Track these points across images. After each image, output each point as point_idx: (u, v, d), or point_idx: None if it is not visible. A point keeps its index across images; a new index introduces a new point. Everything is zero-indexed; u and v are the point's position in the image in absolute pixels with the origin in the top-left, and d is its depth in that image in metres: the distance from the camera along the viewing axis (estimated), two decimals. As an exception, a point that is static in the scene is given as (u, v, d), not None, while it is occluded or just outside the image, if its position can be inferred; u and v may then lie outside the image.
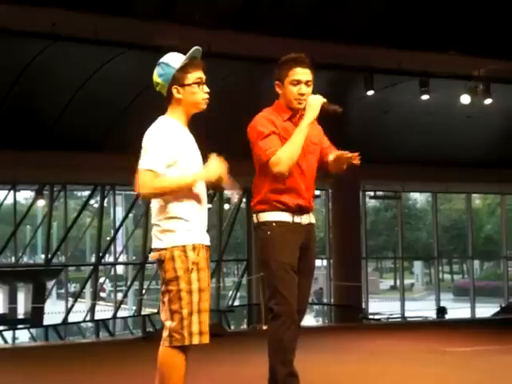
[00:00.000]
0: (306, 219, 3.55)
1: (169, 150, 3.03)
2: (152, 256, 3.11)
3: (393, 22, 10.60)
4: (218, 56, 9.48)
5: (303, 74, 3.55)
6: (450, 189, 19.65)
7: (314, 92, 3.58)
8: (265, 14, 9.58)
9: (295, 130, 3.49)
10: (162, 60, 3.14)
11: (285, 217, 3.48)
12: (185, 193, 3.07)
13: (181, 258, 3.02)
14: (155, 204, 3.13)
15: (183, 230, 3.05)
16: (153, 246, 3.12)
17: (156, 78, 3.14)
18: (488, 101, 12.29)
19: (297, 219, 3.51)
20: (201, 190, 3.15)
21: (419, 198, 30.37)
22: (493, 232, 26.56)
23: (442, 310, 16.62)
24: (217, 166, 3.06)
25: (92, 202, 19.15)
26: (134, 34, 9.42)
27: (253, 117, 3.57)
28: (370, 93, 11.83)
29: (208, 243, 3.17)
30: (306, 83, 3.55)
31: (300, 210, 3.52)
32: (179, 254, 3.02)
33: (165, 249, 3.05)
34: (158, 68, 3.15)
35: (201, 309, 3.02)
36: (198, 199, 3.12)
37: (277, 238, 3.45)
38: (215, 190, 3.10)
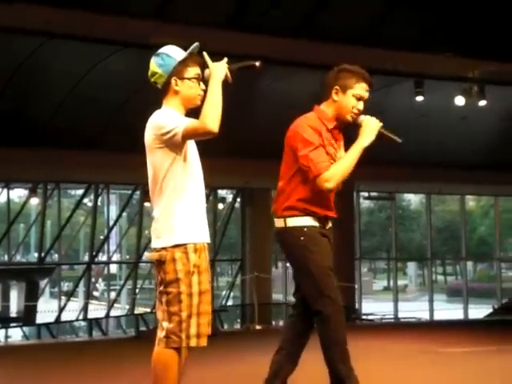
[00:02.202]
0: (327, 226, 3.61)
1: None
2: (151, 256, 3.05)
3: (388, 23, 10.61)
4: (213, 55, 9.47)
5: (367, 92, 3.59)
6: (443, 190, 19.68)
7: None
8: (261, 14, 9.57)
9: (351, 149, 3.48)
10: (161, 51, 3.12)
11: (314, 222, 3.51)
12: (183, 189, 3.03)
13: (182, 261, 2.98)
14: (155, 201, 3.08)
15: (183, 227, 3.01)
16: (152, 246, 3.07)
17: (154, 67, 3.11)
18: (482, 102, 12.32)
19: (321, 225, 3.55)
20: (199, 185, 3.12)
21: (413, 199, 30.41)
22: (486, 234, 26.63)
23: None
24: (218, 64, 3.05)
25: (86, 200, 19.10)
26: (130, 32, 9.40)
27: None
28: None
29: (208, 240, 3.13)
30: (365, 102, 3.57)
31: (325, 220, 3.57)
32: (181, 255, 2.98)
33: (165, 249, 3.00)
34: (156, 58, 3.12)
35: (200, 311, 3.00)
36: (196, 195, 3.08)
37: (311, 243, 3.47)
38: (232, 73, 2.94)
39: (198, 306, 2.99)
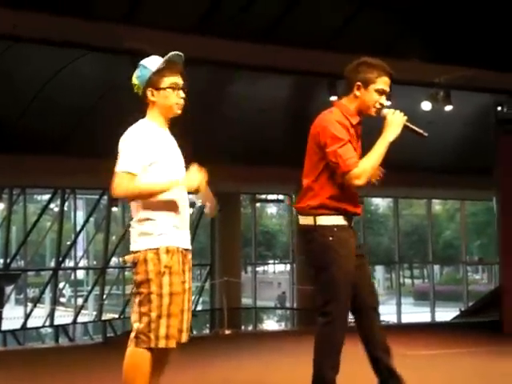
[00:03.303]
0: (352, 223, 3.57)
1: (145, 152, 3.05)
2: (127, 259, 3.11)
3: (356, 29, 10.71)
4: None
5: (388, 85, 3.55)
6: (410, 194, 19.88)
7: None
8: (230, 18, 9.58)
9: (377, 145, 3.47)
10: (141, 62, 3.18)
11: (343, 221, 3.47)
12: (161, 195, 3.07)
13: (153, 261, 3.03)
14: (133, 205, 3.14)
15: (158, 232, 3.06)
16: (130, 249, 3.14)
17: (134, 79, 3.18)
18: (448, 107, 12.48)
19: (349, 224, 3.51)
20: (180, 191, 3.13)
21: (381, 204, 30.69)
22: (452, 237, 26.98)
23: None
24: (196, 177, 3.07)
25: (52, 205, 18.87)
26: (98, 36, 9.31)
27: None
28: (334, 98, 11.90)
29: (187, 246, 3.18)
30: (387, 96, 3.55)
31: (352, 218, 3.53)
32: (152, 256, 3.03)
33: (139, 251, 3.06)
34: (137, 69, 3.18)
35: (170, 313, 3.02)
36: (175, 201, 3.12)
37: (339, 245, 3.42)
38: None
39: (168, 307, 3.01)
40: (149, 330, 2.99)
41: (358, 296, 3.53)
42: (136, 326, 3.03)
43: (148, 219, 3.07)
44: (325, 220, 3.43)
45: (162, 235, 3.06)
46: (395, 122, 3.47)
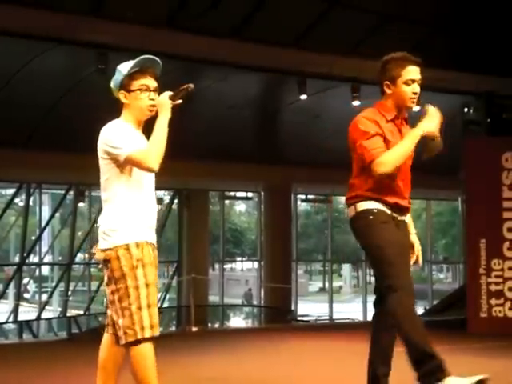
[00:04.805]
0: (402, 217, 3.57)
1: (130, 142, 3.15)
2: (98, 256, 3.21)
3: (327, 27, 10.74)
4: (150, 54, 9.35)
5: (417, 72, 3.59)
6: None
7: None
8: (199, 14, 9.52)
9: (408, 134, 3.50)
10: (117, 67, 3.28)
11: (384, 208, 3.49)
12: (126, 195, 3.18)
13: (125, 256, 3.12)
14: (103, 204, 3.22)
15: (125, 228, 3.15)
16: (99, 247, 3.21)
17: (110, 83, 3.28)
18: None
19: (394, 214, 3.52)
20: (147, 188, 3.25)
21: (349, 202, 30.90)
22: (418, 236, 27.27)
23: None
24: (161, 101, 3.17)
25: (17, 200, 18.60)
26: (65, 29, 9.18)
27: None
28: (303, 97, 11.94)
29: (152, 241, 3.26)
30: (418, 82, 3.57)
31: (397, 208, 3.53)
32: (123, 252, 3.12)
33: (110, 249, 3.15)
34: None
35: (150, 303, 3.12)
36: (140, 197, 3.22)
37: (380, 221, 3.45)
38: (175, 99, 3.19)
39: (146, 297, 3.10)
40: (132, 322, 3.08)
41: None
42: (120, 322, 3.11)
43: (115, 216, 3.17)
44: (364, 205, 3.49)
45: (130, 230, 3.15)
46: (432, 115, 3.53)
